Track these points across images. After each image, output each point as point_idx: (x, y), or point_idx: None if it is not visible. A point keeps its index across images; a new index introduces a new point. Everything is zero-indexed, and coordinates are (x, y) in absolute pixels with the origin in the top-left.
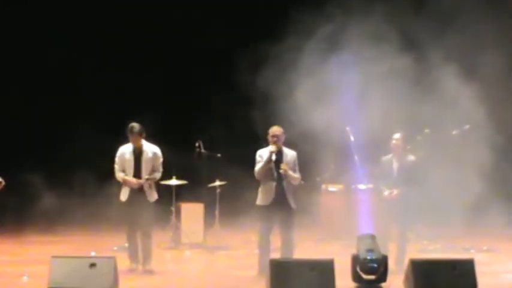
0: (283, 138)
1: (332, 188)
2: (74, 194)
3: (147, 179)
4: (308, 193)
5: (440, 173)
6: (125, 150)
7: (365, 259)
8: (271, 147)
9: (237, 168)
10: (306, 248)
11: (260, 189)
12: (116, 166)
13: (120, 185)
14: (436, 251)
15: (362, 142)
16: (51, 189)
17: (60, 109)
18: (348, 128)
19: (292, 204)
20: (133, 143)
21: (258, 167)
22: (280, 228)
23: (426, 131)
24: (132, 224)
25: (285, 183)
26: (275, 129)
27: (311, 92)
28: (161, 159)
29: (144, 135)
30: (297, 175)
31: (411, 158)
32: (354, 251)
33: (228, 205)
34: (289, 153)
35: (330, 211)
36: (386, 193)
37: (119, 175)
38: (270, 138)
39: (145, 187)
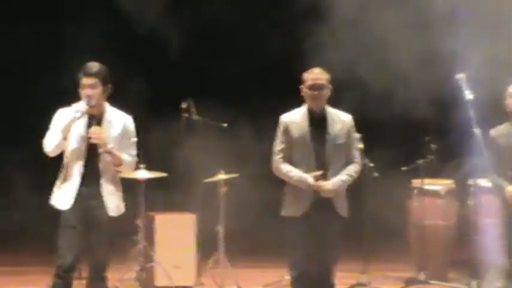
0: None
1: (432, 185)
2: None
3: (109, 152)
4: (388, 194)
5: None
6: (70, 115)
7: None
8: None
9: (258, 149)
10: None
11: (287, 192)
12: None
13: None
14: None
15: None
16: None
17: None
18: (460, 75)
19: (342, 212)
20: (89, 102)
21: (290, 174)
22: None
23: None
24: (72, 250)
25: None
26: (317, 74)
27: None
28: (135, 139)
29: (109, 87)
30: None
31: None
32: None
33: (242, 216)
34: (342, 119)
35: (428, 227)
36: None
37: (53, 137)
38: (310, 91)
39: (104, 179)
